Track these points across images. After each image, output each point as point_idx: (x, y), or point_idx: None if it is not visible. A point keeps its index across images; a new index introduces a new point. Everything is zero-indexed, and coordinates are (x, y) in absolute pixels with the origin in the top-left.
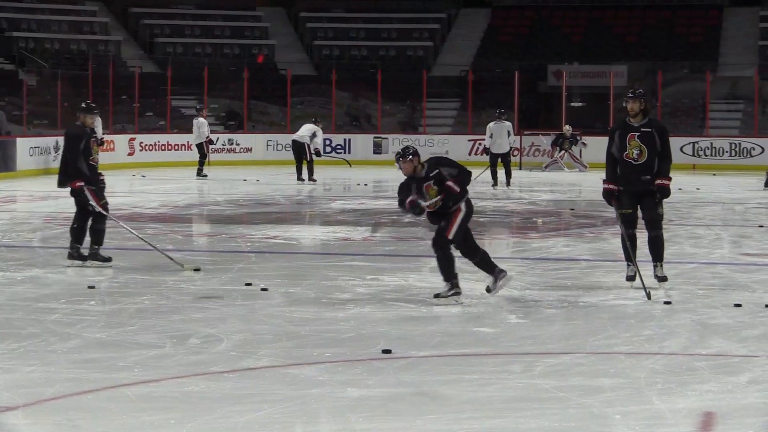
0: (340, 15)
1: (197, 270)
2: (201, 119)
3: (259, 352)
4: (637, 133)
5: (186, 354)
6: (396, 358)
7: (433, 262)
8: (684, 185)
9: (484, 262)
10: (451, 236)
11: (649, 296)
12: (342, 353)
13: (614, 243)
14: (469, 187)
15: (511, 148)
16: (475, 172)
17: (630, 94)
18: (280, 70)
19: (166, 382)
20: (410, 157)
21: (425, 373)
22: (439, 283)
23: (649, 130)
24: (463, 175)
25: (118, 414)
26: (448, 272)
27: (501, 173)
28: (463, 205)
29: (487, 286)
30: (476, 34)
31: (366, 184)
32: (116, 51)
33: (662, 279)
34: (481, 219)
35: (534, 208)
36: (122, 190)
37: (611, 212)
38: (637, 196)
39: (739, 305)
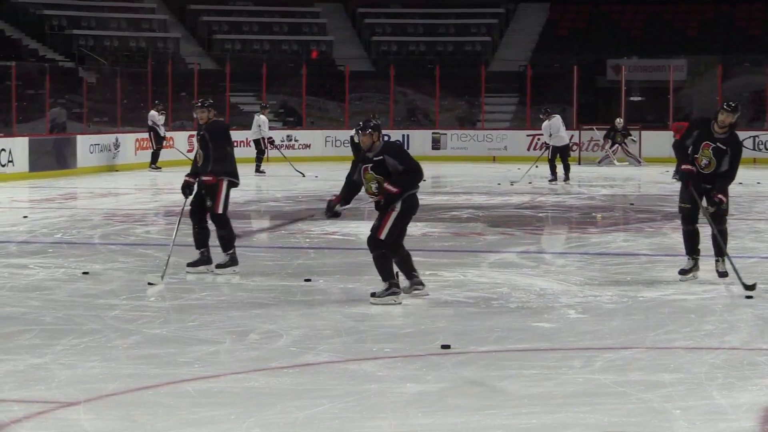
0: (397, 11)
1: (152, 284)
2: (262, 116)
3: (319, 348)
4: (713, 145)
5: (245, 350)
6: (455, 354)
7: (493, 257)
8: (745, 179)
9: (405, 265)
10: (383, 237)
11: (748, 287)
12: (401, 348)
13: (674, 238)
14: (422, 185)
15: (570, 142)
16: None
17: (726, 107)
18: (338, 65)
19: (225, 377)
20: (369, 130)
21: (484, 368)
22: (498, 277)
23: (725, 148)
24: (409, 175)
25: (177, 409)
26: (385, 272)
27: (559, 168)
28: (398, 204)
29: (404, 287)
30: (534, 29)
31: (424, 180)
32: (175, 48)
33: (723, 275)
34: (540, 214)
35: (593, 203)
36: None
37: (671, 206)
38: (699, 192)
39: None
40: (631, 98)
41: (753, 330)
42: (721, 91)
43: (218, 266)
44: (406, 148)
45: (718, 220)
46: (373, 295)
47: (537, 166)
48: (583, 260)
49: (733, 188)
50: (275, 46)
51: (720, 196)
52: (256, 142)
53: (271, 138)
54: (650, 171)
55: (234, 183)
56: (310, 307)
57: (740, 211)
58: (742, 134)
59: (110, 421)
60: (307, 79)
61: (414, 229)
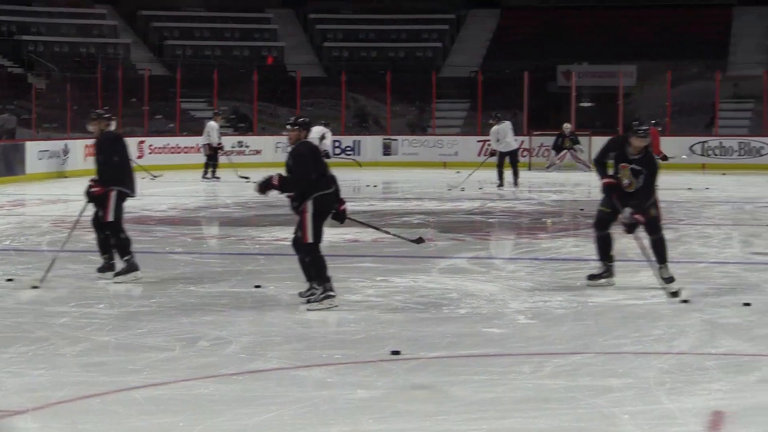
0: (349, 17)
1: (35, 287)
2: (212, 123)
3: (268, 354)
4: (629, 166)
5: (195, 357)
6: (405, 359)
7: (443, 263)
8: (694, 185)
9: (316, 268)
10: (309, 240)
11: (675, 294)
12: (351, 355)
13: (623, 243)
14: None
15: (519, 147)
16: (480, 175)
17: (640, 134)
18: (289, 71)
19: (175, 384)
20: (296, 126)
21: (434, 374)
22: (448, 283)
23: (640, 168)
24: (294, 180)
25: (126, 417)
26: (321, 275)
27: (507, 174)
28: (309, 205)
29: (300, 292)
30: (485, 35)
31: (375, 186)
32: (125, 54)
33: (669, 280)
34: (490, 220)
35: (543, 209)
36: None
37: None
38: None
39: (748, 304)
40: (581, 104)
41: (701, 335)
42: (671, 97)
43: (117, 274)
44: (357, 153)
45: (652, 229)
46: (308, 300)
47: (471, 174)
48: (533, 266)
49: (682, 194)
50: (227, 52)
51: (638, 216)
52: (205, 148)
53: (220, 144)
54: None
55: (124, 193)
56: (260, 314)
57: (689, 216)
58: (691, 140)
59: (57, 430)
60: (259, 85)
61: (364, 235)
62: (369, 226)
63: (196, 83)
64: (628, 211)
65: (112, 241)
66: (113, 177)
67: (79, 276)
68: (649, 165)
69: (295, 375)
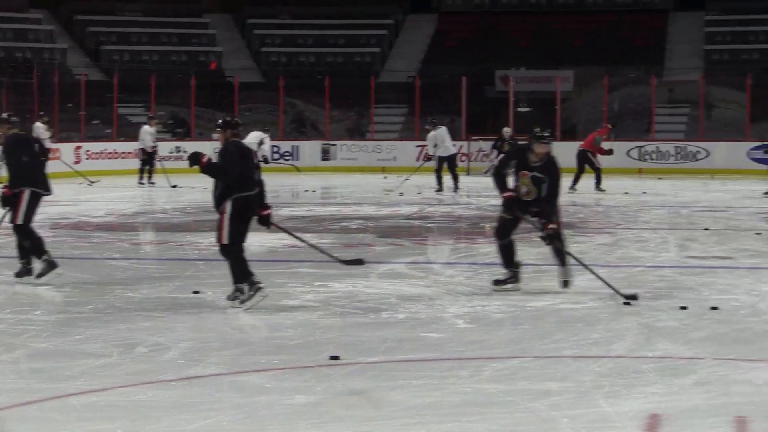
0: (287, 21)
1: None
2: (146, 127)
3: (207, 360)
4: (530, 174)
5: (133, 363)
6: (344, 365)
7: (382, 268)
8: (630, 189)
9: (238, 269)
10: (224, 241)
11: (633, 297)
12: (290, 360)
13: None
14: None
15: (457, 152)
16: (419, 179)
17: (543, 140)
18: (227, 77)
19: (112, 391)
20: (219, 129)
21: (373, 378)
22: (387, 288)
23: (542, 176)
24: (217, 168)
25: (63, 424)
26: (244, 273)
27: (446, 179)
28: (228, 205)
29: (228, 296)
30: (423, 40)
31: (314, 191)
32: (62, 59)
33: (566, 284)
34: (429, 224)
35: (481, 213)
36: (68, 199)
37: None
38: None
39: (684, 308)
40: (519, 109)
41: (638, 338)
42: (607, 102)
43: (38, 276)
44: (295, 158)
45: (551, 239)
46: (241, 302)
47: (408, 179)
48: (472, 270)
49: (619, 198)
50: (164, 56)
51: (551, 226)
52: (140, 153)
53: (154, 148)
54: None
55: (38, 193)
56: (199, 320)
57: (626, 220)
58: (627, 145)
59: None
60: (197, 90)
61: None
62: (298, 239)
63: (134, 88)
64: (538, 221)
65: (26, 243)
66: (24, 178)
67: (13, 282)
68: (551, 172)
69: (233, 381)
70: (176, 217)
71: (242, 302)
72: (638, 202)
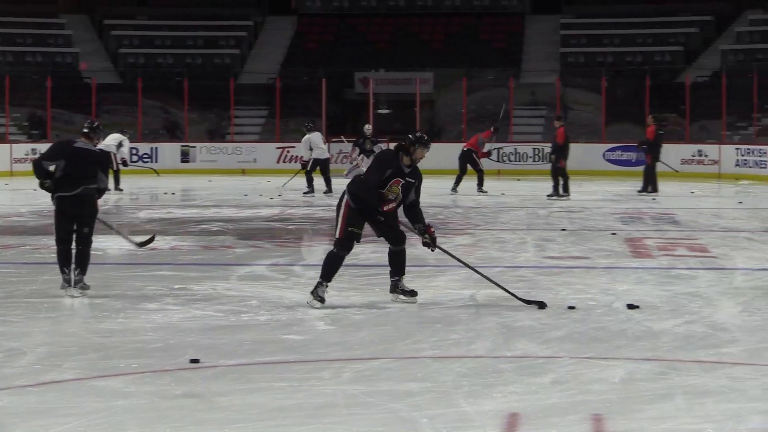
0: (144, 22)
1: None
2: None
3: (65, 365)
4: (403, 181)
5: None
6: (204, 368)
7: (242, 270)
8: (489, 190)
9: (80, 260)
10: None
11: (541, 305)
12: (149, 364)
13: (421, 249)
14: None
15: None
16: (280, 181)
17: (426, 144)
18: (84, 78)
19: None
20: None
21: (234, 381)
22: (247, 290)
23: (413, 181)
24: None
25: None
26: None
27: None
28: (54, 202)
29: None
30: (283, 42)
31: (173, 193)
32: None
33: (411, 293)
34: (290, 226)
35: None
36: None
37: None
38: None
39: (543, 308)
40: (379, 111)
41: (497, 338)
42: (466, 104)
43: None
44: (155, 161)
45: (400, 240)
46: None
47: (291, 178)
48: None
49: (478, 200)
50: (18, 57)
51: (432, 230)
52: None
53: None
54: None
55: None
56: (56, 324)
57: (486, 221)
58: (487, 146)
59: None
60: (53, 91)
61: (162, 243)
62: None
63: None
64: (419, 228)
65: None
66: None
67: None
68: (418, 175)
69: (92, 385)
70: (33, 220)
71: (63, 288)
72: (497, 203)
